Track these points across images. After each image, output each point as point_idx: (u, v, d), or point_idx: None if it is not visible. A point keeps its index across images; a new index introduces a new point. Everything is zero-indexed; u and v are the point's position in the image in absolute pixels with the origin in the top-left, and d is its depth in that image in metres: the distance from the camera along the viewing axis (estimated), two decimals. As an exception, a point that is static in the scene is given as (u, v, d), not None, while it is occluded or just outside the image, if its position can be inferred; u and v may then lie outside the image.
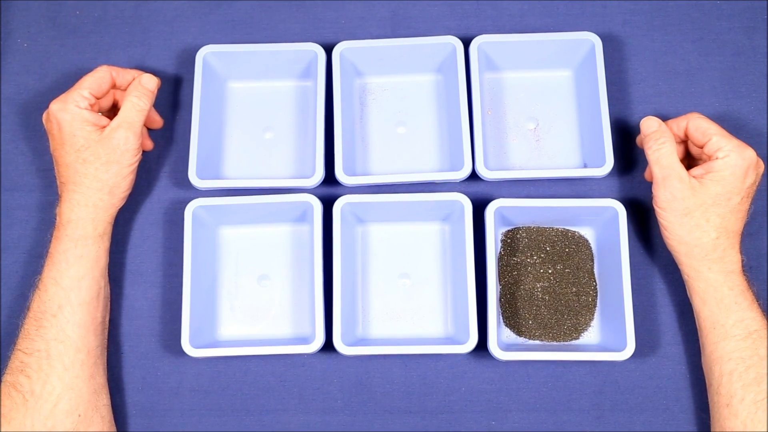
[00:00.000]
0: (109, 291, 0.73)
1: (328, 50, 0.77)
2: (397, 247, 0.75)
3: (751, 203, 0.70)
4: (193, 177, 0.73)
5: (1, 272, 0.76)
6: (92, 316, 0.69)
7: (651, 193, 0.71)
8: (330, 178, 0.75)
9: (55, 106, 0.71)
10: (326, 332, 0.70)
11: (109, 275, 0.75)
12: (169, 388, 0.73)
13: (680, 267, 0.70)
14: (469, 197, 0.72)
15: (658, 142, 0.69)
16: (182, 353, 0.70)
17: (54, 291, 0.68)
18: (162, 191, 0.78)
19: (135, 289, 0.75)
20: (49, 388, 0.66)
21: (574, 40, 0.76)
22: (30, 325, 0.68)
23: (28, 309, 0.69)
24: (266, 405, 0.73)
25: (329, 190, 0.76)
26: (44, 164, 0.78)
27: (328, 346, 0.70)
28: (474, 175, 0.74)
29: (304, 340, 0.71)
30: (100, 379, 0.70)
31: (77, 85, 0.72)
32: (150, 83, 0.73)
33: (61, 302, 0.68)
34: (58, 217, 0.71)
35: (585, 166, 0.76)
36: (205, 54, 0.76)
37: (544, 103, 0.78)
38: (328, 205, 0.73)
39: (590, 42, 0.75)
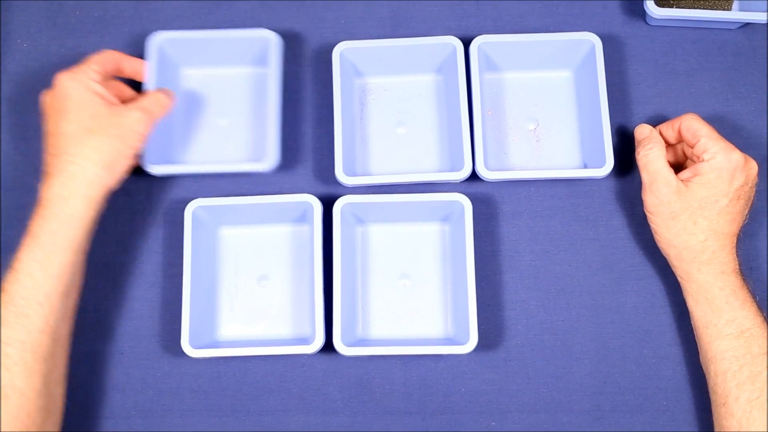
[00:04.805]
0: (83, 279, 0.71)
1: (329, 50, 0.77)
2: (397, 247, 0.75)
3: (751, 204, 0.70)
4: (147, 163, 0.73)
5: (0, 272, 0.76)
6: (71, 306, 0.67)
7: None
8: (330, 178, 0.75)
9: (64, 76, 0.68)
10: (326, 332, 0.70)
11: (109, 275, 0.75)
12: (169, 388, 0.73)
13: (673, 269, 0.71)
14: (469, 197, 0.72)
15: (646, 147, 0.70)
16: (182, 354, 0.70)
17: (40, 277, 0.64)
18: (162, 190, 0.77)
19: (135, 289, 0.75)
20: (32, 383, 0.63)
21: (574, 41, 0.76)
22: (8, 312, 0.63)
23: (2, 291, 0.64)
24: (266, 405, 0.73)
25: (329, 190, 0.76)
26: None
27: (328, 346, 0.70)
28: (474, 176, 0.74)
29: (304, 341, 0.71)
30: (65, 369, 0.68)
31: (85, 61, 0.70)
32: (175, 97, 0.74)
33: (49, 291, 0.64)
34: (44, 193, 0.66)
35: (585, 166, 0.76)
36: (158, 40, 0.76)
37: (544, 103, 0.78)
38: (328, 205, 0.73)
39: (590, 42, 0.75)
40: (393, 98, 0.79)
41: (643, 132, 0.73)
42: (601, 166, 0.73)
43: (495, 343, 0.74)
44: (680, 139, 0.73)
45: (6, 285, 0.64)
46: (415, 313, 0.74)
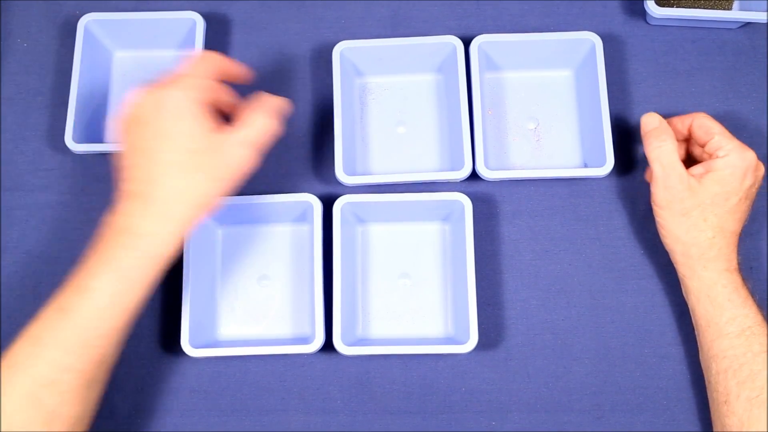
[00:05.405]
0: None
1: (329, 50, 0.77)
2: (397, 247, 0.75)
3: (751, 205, 0.70)
4: (69, 141, 0.74)
5: (1, 272, 0.76)
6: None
7: (650, 191, 0.71)
8: (330, 177, 0.75)
9: (174, 91, 0.60)
10: (326, 332, 0.70)
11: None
12: (169, 388, 0.73)
13: (676, 266, 0.70)
14: (469, 197, 0.72)
15: (660, 139, 0.69)
16: (182, 353, 0.70)
17: (118, 311, 0.59)
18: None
19: (135, 289, 0.75)
20: (76, 411, 0.60)
21: (575, 40, 0.76)
22: (73, 337, 0.58)
23: (68, 308, 0.59)
24: (266, 405, 0.73)
25: (329, 190, 0.76)
26: (44, 164, 0.78)
27: (328, 346, 0.70)
28: (474, 175, 0.74)
29: (304, 340, 0.71)
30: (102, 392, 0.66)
31: (193, 72, 0.62)
32: (285, 107, 0.66)
33: (119, 325, 0.60)
34: (133, 222, 0.59)
35: (585, 165, 0.76)
36: (86, 22, 0.77)
37: (544, 102, 0.78)
38: (328, 205, 0.73)
39: (590, 42, 0.75)
40: (393, 98, 0.79)
41: (652, 122, 0.71)
42: (601, 166, 0.73)
43: (495, 342, 0.74)
44: (687, 137, 0.72)
45: (67, 304, 0.59)
46: (415, 313, 0.74)
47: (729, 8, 0.80)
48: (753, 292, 0.68)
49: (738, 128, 0.77)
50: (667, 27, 0.80)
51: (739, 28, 0.80)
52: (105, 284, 0.58)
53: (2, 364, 0.59)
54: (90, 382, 0.60)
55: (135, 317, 0.62)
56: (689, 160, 0.74)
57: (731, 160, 0.67)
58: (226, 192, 0.62)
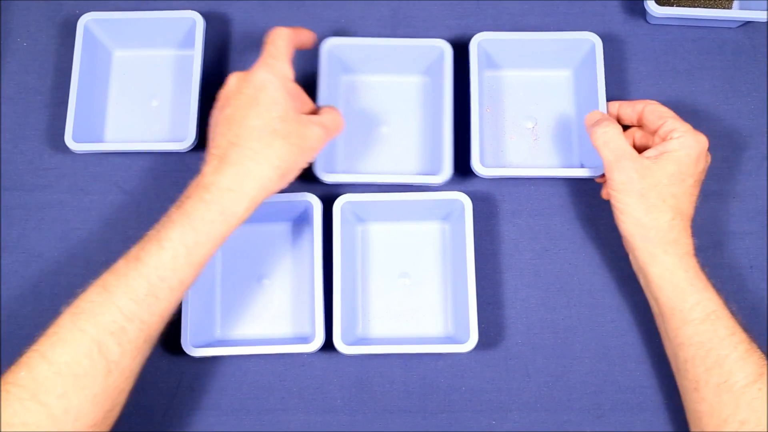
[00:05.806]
0: None
1: (328, 49, 0.77)
2: (397, 245, 0.75)
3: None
4: (69, 141, 0.74)
5: (1, 272, 0.76)
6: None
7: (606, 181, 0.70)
8: (330, 177, 0.75)
9: (263, 68, 0.64)
10: (326, 331, 0.70)
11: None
12: (169, 387, 0.73)
13: (635, 254, 0.68)
14: (469, 196, 0.72)
15: (603, 125, 0.68)
16: (182, 353, 0.70)
17: (183, 263, 0.60)
18: (162, 190, 0.77)
19: (135, 288, 0.75)
20: (133, 365, 0.60)
21: (574, 40, 0.76)
22: (140, 286, 0.59)
23: (134, 259, 0.60)
24: (266, 404, 0.73)
25: (329, 190, 0.76)
26: (44, 164, 0.78)
27: (328, 345, 0.70)
28: (473, 175, 0.74)
29: (304, 340, 0.71)
30: None
31: (275, 54, 0.66)
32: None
33: (184, 278, 0.60)
34: (212, 178, 0.62)
35: (582, 165, 0.76)
36: (86, 21, 0.77)
37: (543, 101, 0.78)
38: (328, 204, 0.73)
39: (590, 41, 0.75)
40: (379, 97, 0.79)
41: (594, 117, 0.71)
42: (598, 165, 0.72)
43: (495, 341, 0.74)
44: (637, 123, 0.72)
45: (142, 254, 0.60)
46: (415, 312, 0.74)
47: (729, 7, 0.80)
48: (709, 277, 0.67)
49: (738, 127, 0.77)
50: (667, 26, 0.81)
51: (738, 27, 0.80)
52: (179, 235, 0.60)
53: (69, 311, 0.60)
54: (149, 337, 0.61)
55: (198, 275, 0.62)
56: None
57: (686, 141, 0.67)
58: (299, 164, 0.65)
